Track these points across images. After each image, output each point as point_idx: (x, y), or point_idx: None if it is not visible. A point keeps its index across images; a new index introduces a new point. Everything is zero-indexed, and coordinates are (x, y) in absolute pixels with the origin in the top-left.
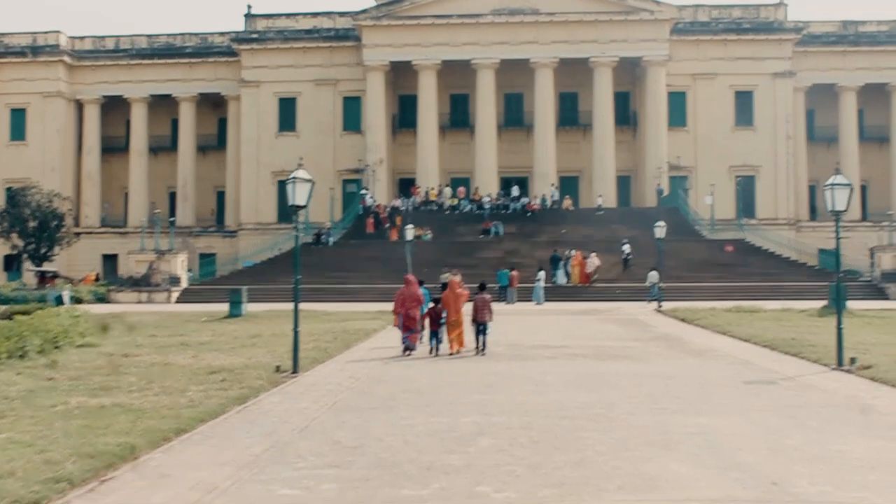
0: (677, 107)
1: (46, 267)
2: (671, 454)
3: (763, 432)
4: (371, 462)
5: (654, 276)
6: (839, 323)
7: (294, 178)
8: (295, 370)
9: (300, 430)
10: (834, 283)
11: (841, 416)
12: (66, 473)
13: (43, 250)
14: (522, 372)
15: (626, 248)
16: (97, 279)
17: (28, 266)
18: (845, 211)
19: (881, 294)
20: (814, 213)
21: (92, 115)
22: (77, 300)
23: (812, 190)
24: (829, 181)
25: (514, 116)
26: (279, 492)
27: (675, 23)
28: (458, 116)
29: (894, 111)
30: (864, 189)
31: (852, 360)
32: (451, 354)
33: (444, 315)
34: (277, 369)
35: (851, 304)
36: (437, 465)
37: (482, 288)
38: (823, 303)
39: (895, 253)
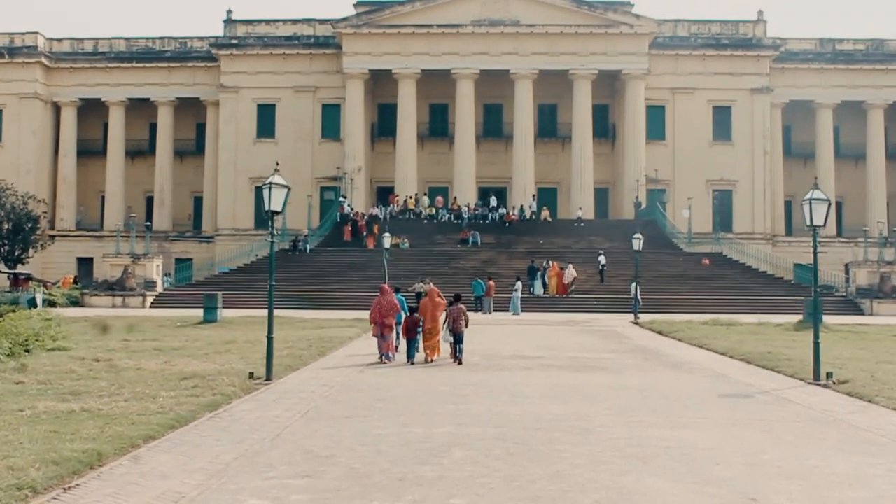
0: (656, 120)
1: (20, 270)
2: (648, 468)
3: (740, 446)
4: (343, 472)
5: (633, 288)
6: (816, 337)
7: (270, 183)
8: (268, 377)
9: (272, 439)
10: (810, 297)
11: (818, 431)
12: (29, 480)
13: (17, 253)
14: (498, 382)
15: (602, 259)
16: (75, 281)
17: (1, 268)
18: (823, 226)
19: (856, 309)
20: (790, 228)
21: (69, 118)
22: (50, 303)
23: (788, 205)
24: (808, 196)
25: (494, 127)
26: (248, 502)
27: (654, 37)
28: (438, 126)
29: (870, 128)
30: (839, 205)
31: (829, 375)
32: (427, 363)
33: (420, 324)
34: (251, 376)
35: (827, 319)
36: (410, 477)
37: (457, 299)
38: (799, 317)
39: (870, 269)
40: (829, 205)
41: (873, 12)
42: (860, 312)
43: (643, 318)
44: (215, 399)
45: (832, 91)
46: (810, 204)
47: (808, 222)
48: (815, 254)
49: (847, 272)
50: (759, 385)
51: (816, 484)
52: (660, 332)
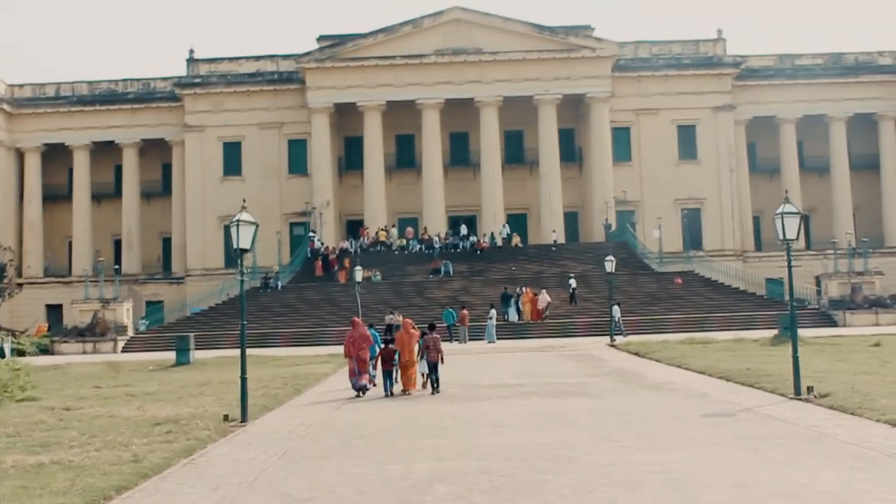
0: (622, 142)
1: None
2: (637, 495)
3: (727, 467)
4: None
5: (616, 310)
6: (795, 352)
7: (237, 220)
8: (244, 419)
9: (249, 483)
10: (783, 312)
11: (804, 447)
12: None
13: None
14: (477, 413)
15: (573, 282)
16: (49, 329)
17: None
18: (796, 239)
19: (830, 321)
20: (759, 243)
21: (33, 164)
22: (20, 352)
23: (757, 220)
24: (780, 210)
25: (461, 155)
26: None
27: (616, 60)
28: (405, 157)
29: (833, 141)
30: (806, 219)
31: (809, 389)
32: (404, 393)
33: (396, 356)
34: (226, 418)
35: (802, 332)
36: None
37: (431, 328)
38: (775, 332)
39: (842, 280)
40: (802, 217)
41: (830, 26)
42: (833, 324)
43: (618, 339)
44: (190, 444)
45: (794, 106)
46: (782, 218)
47: (781, 236)
48: (789, 267)
49: (818, 284)
50: (740, 403)
51: (808, 502)
52: (637, 354)
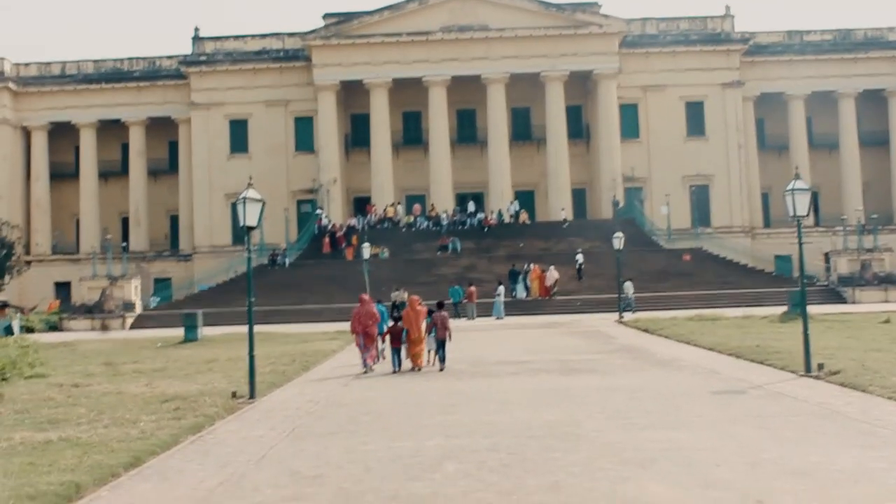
0: (629, 119)
1: None
2: (647, 473)
3: (738, 446)
4: (332, 493)
5: (628, 286)
6: (805, 328)
7: (244, 198)
8: (252, 396)
9: (257, 461)
10: (792, 288)
11: (816, 424)
12: None
13: None
14: (486, 389)
15: (580, 257)
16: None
17: None
18: (806, 216)
19: (839, 298)
20: (768, 220)
21: (39, 142)
22: (28, 329)
23: (765, 197)
24: (790, 186)
25: (468, 132)
26: None
27: (623, 36)
28: (412, 134)
29: (842, 118)
30: (815, 195)
31: (820, 366)
32: (412, 370)
33: (404, 333)
34: (234, 395)
35: (811, 309)
36: (402, 495)
37: (440, 306)
38: (784, 308)
39: (851, 257)
40: (813, 194)
41: (839, 2)
42: (843, 301)
43: (627, 316)
44: (198, 421)
45: (803, 82)
46: (793, 194)
47: (791, 213)
48: (800, 244)
49: (827, 261)
50: (750, 380)
51: (821, 481)
52: (645, 331)
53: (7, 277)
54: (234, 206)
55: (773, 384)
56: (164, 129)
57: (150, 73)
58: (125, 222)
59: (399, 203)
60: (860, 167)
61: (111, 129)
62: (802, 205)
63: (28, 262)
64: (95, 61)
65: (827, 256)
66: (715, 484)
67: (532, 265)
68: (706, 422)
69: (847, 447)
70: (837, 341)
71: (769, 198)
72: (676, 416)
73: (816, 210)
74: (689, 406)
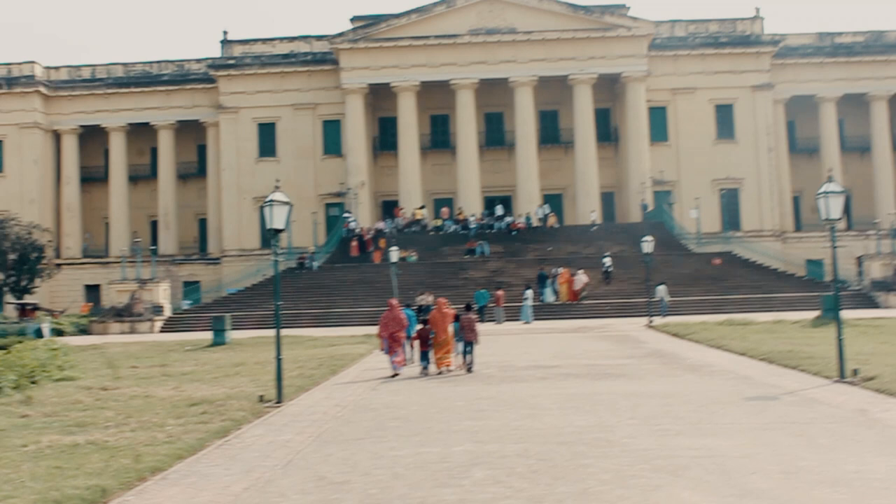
0: (658, 122)
1: (27, 300)
2: (680, 481)
3: (773, 453)
4: (358, 499)
5: (662, 290)
6: (839, 333)
7: (271, 200)
8: (279, 400)
9: (283, 466)
10: (824, 293)
11: (852, 432)
12: None
13: (24, 283)
14: (514, 394)
15: (607, 261)
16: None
17: (8, 299)
18: (840, 219)
19: (871, 303)
20: (798, 223)
21: (70, 146)
22: (58, 332)
23: (796, 201)
24: (823, 189)
25: (496, 136)
26: None
27: (652, 38)
28: (439, 137)
29: (874, 120)
30: (847, 199)
31: (855, 372)
32: (439, 373)
33: (431, 335)
34: (261, 399)
35: (843, 314)
36: (430, 501)
37: (468, 308)
38: (816, 313)
39: (884, 261)
40: (847, 197)
41: (870, 4)
42: (875, 306)
43: (656, 320)
44: (225, 425)
45: (834, 85)
46: (826, 197)
47: (824, 216)
48: (833, 248)
49: (860, 265)
50: (783, 386)
51: (861, 491)
52: (675, 335)
53: (38, 281)
54: (262, 209)
55: (807, 390)
56: (192, 133)
57: (179, 77)
58: (154, 225)
59: (423, 207)
60: (893, 170)
61: (140, 133)
62: (836, 208)
63: (58, 265)
64: (125, 65)
65: (859, 260)
66: (750, 493)
67: (561, 269)
68: (739, 428)
69: (885, 455)
70: (871, 346)
71: (800, 201)
72: (709, 422)
73: (848, 213)
74: (721, 412)
